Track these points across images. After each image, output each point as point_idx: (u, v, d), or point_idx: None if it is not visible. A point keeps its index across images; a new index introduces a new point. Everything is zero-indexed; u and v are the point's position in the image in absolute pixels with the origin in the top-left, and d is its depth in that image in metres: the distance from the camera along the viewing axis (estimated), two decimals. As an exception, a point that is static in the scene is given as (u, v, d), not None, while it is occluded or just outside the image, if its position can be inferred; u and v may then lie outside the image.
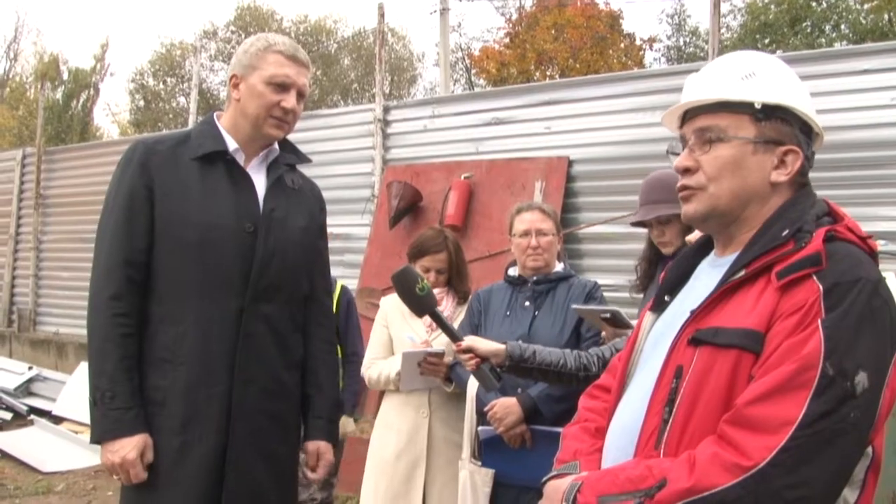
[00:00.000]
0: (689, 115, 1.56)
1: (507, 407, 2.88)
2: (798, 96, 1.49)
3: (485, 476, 2.91)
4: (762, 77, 1.49)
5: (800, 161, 1.47)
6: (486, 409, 2.92)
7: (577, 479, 1.44)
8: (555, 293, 3.04)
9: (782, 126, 1.47)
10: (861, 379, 1.25)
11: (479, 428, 2.98)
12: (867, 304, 1.29)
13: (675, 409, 1.40)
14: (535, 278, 3.07)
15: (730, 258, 1.49)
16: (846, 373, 1.25)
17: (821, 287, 1.30)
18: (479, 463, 2.96)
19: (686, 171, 1.53)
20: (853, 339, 1.26)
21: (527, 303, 3.05)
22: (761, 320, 1.34)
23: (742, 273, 1.41)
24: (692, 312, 1.46)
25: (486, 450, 2.96)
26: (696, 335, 1.41)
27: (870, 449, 1.36)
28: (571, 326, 2.97)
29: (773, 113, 1.47)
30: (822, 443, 1.24)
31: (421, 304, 2.53)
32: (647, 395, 1.47)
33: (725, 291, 1.42)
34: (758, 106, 1.46)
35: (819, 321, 1.28)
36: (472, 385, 3.00)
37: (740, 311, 1.38)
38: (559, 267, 3.14)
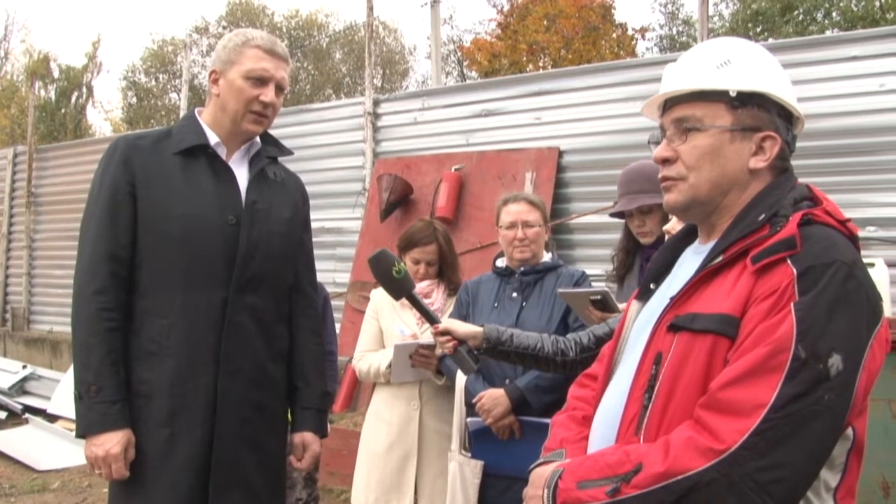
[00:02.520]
0: (668, 104, 1.56)
1: (494, 398, 2.88)
2: (775, 82, 1.49)
3: (474, 468, 2.92)
4: (737, 64, 1.48)
5: (778, 146, 1.47)
6: (474, 400, 2.92)
7: (560, 466, 1.45)
8: (542, 283, 3.04)
9: (759, 112, 1.47)
10: (835, 361, 1.25)
11: (469, 419, 2.98)
12: (841, 287, 1.28)
13: (654, 395, 1.41)
14: (522, 269, 3.06)
15: (711, 245, 1.49)
16: (819, 355, 1.25)
17: (794, 270, 1.30)
18: (469, 454, 2.96)
19: (665, 162, 1.53)
20: (826, 321, 1.26)
21: (514, 294, 3.05)
22: (737, 305, 1.34)
23: (720, 259, 1.42)
24: (671, 299, 1.47)
25: (476, 441, 2.97)
26: (674, 321, 1.42)
27: (850, 431, 1.36)
28: (559, 317, 2.97)
29: (750, 99, 1.46)
30: (795, 425, 1.24)
31: (398, 287, 2.53)
32: (630, 382, 1.48)
33: (703, 277, 1.43)
34: (733, 94, 1.46)
35: (792, 304, 1.28)
36: (462, 377, 3.00)
37: (717, 296, 1.39)
38: (547, 257, 3.14)
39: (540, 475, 1.49)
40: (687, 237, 1.66)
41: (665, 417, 1.38)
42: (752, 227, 1.40)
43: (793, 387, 1.24)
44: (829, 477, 1.36)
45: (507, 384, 2.92)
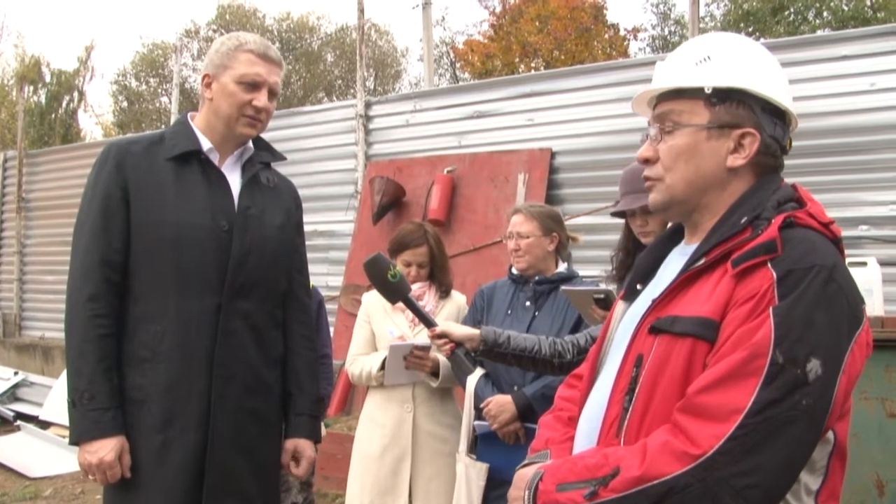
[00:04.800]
0: (655, 101, 1.55)
1: (501, 405, 2.92)
2: (757, 77, 1.45)
3: (479, 470, 2.94)
4: (717, 60, 1.46)
5: (757, 143, 1.44)
6: (481, 405, 2.96)
7: (541, 468, 1.45)
8: (556, 293, 3.06)
9: (738, 109, 1.44)
10: (813, 366, 1.24)
11: (476, 423, 3.01)
12: (821, 291, 1.27)
13: (634, 398, 1.40)
14: (536, 278, 3.09)
15: (695, 246, 1.47)
16: (796, 360, 1.24)
17: (774, 274, 1.29)
18: (475, 457, 2.99)
19: (647, 162, 1.53)
20: (805, 326, 1.25)
21: (528, 303, 3.08)
22: (717, 308, 1.33)
23: (702, 261, 1.40)
24: (653, 301, 1.46)
25: (482, 444, 3.00)
26: (655, 324, 1.41)
27: (830, 435, 1.34)
28: (570, 328, 2.98)
29: (729, 96, 1.44)
30: (772, 430, 1.23)
31: (393, 291, 2.53)
32: (612, 384, 1.47)
33: (685, 280, 1.42)
34: (708, 91, 1.44)
35: (770, 309, 1.26)
36: (472, 381, 3.02)
37: (698, 299, 1.37)
38: (562, 267, 3.15)
39: (522, 476, 1.49)
40: (674, 236, 1.64)
41: (645, 420, 1.38)
42: (734, 230, 1.39)
43: (770, 392, 1.23)
44: (810, 480, 1.35)
45: (514, 391, 2.95)
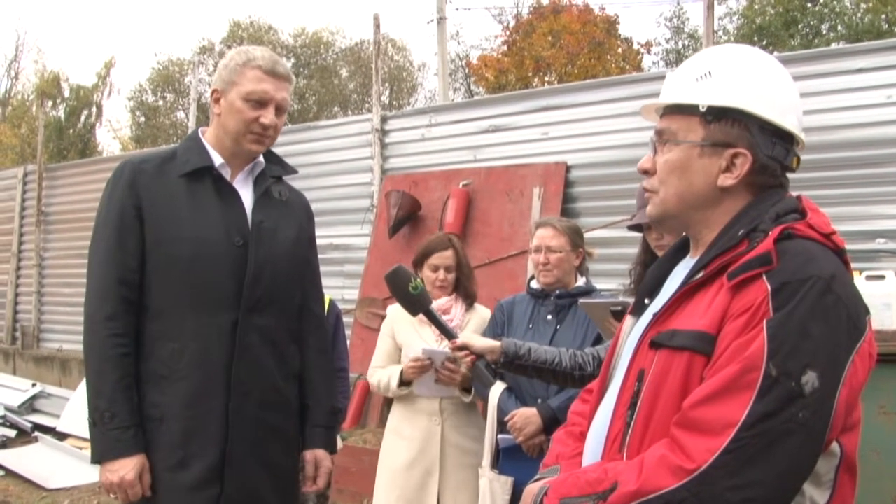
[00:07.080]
0: (662, 112, 1.55)
1: (526, 417, 2.92)
2: (755, 96, 1.42)
3: (504, 484, 2.93)
4: (717, 77, 1.44)
5: (748, 164, 1.41)
6: (506, 418, 2.95)
7: (547, 483, 1.45)
8: (577, 307, 3.06)
9: (732, 128, 1.42)
10: (810, 378, 1.23)
11: (500, 436, 3.01)
12: (817, 302, 1.26)
13: (636, 413, 1.40)
14: (557, 292, 3.10)
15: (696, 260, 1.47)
16: (790, 373, 1.23)
17: (769, 287, 1.28)
18: (498, 471, 2.98)
19: (646, 173, 1.53)
20: (799, 338, 1.24)
21: (549, 316, 3.09)
22: (713, 322, 1.33)
23: (700, 275, 1.40)
24: (654, 315, 1.46)
25: (505, 458, 3.00)
26: (655, 338, 1.41)
27: (836, 448, 1.33)
28: (592, 341, 2.98)
29: (724, 114, 1.42)
30: (767, 444, 1.22)
31: (414, 303, 2.55)
32: (616, 399, 1.48)
33: (685, 293, 1.41)
34: (703, 109, 1.43)
35: (764, 322, 1.26)
36: (495, 394, 3.01)
37: (696, 313, 1.37)
38: (581, 281, 3.17)
39: (530, 491, 1.50)
40: (680, 251, 1.63)
41: (647, 435, 1.37)
42: (731, 243, 1.38)
43: (764, 405, 1.22)
44: (817, 494, 1.33)
45: (539, 403, 2.96)
